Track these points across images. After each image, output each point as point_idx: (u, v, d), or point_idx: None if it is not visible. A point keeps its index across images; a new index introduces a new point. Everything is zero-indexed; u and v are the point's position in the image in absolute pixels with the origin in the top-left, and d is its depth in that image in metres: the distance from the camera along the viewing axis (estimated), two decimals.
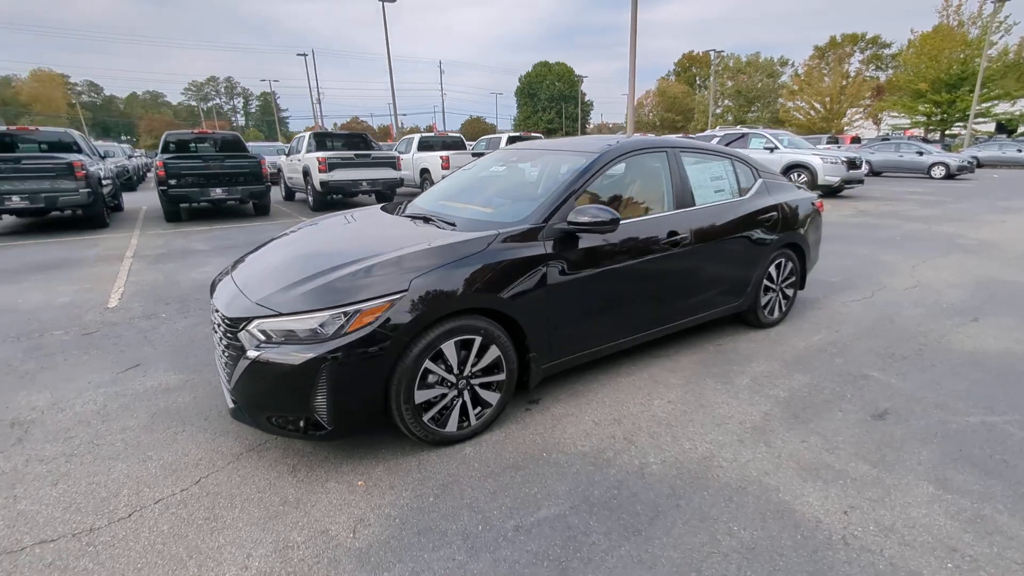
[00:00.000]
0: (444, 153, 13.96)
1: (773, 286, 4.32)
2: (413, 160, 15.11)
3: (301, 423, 2.49)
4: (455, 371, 2.70)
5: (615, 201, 3.45)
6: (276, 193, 16.03)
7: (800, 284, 4.61)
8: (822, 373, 3.53)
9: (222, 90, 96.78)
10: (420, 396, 2.60)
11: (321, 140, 12.96)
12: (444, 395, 2.70)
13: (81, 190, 9.25)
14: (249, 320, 2.50)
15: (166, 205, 10.71)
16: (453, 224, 3.14)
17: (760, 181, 4.21)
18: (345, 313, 2.42)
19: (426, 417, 2.66)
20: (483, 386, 2.83)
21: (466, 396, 2.78)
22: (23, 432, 3.01)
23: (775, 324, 4.42)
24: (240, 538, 2.17)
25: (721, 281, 3.89)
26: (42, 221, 11.13)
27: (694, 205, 3.68)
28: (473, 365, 2.75)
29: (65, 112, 65.53)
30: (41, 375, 3.73)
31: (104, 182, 10.67)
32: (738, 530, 2.16)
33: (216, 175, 10.63)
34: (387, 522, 2.24)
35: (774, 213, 4.12)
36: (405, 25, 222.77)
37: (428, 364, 2.59)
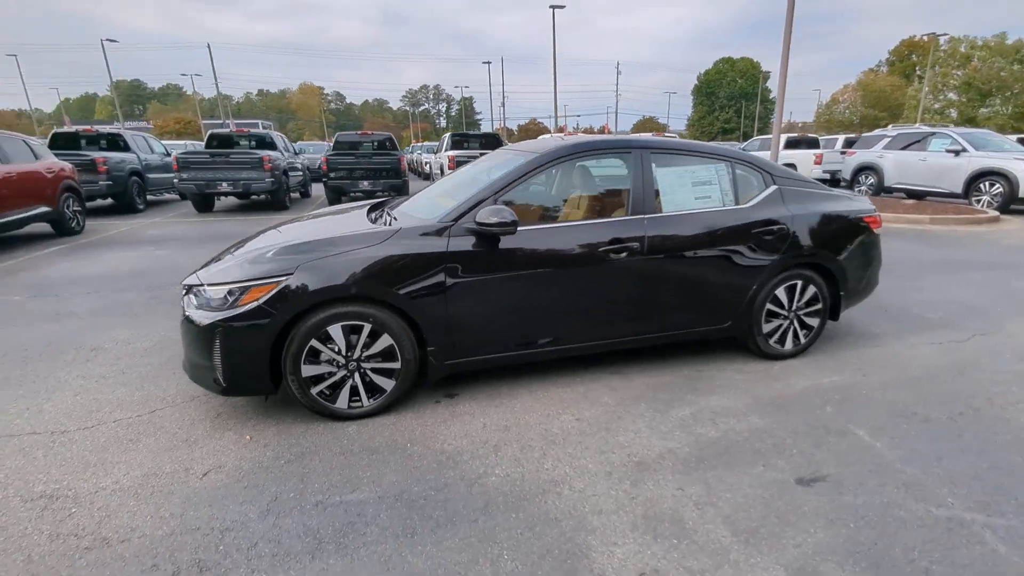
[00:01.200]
0: None
1: (784, 312, 3.63)
2: None
3: (210, 378, 2.88)
4: (343, 353, 2.86)
5: (552, 205, 3.26)
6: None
7: (831, 314, 3.79)
8: (790, 420, 2.92)
9: (431, 96, 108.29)
10: (307, 370, 2.82)
11: (458, 140, 13.96)
12: (333, 373, 2.88)
13: (267, 179, 11.41)
14: (191, 288, 2.96)
15: (328, 193, 12.73)
16: (396, 219, 3.27)
17: (772, 189, 3.55)
18: (241, 288, 2.75)
19: (314, 390, 2.87)
20: (376, 371, 2.95)
21: (357, 378, 2.92)
22: (92, 355, 3.93)
23: (787, 356, 3.71)
24: (136, 460, 2.62)
25: (696, 299, 3.41)
26: (248, 203, 13.84)
27: (659, 212, 3.29)
28: (364, 350, 2.89)
29: (317, 117, 79.88)
30: (142, 317, 4.77)
31: (293, 174, 13.11)
32: (507, 560, 1.98)
33: (364, 170, 12.26)
34: (236, 472, 2.52)
35: (779, 227, 3.45)
36: (594, 29, 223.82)
37: (315, 343, 2.80)
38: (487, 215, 2.86)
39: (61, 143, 11.95)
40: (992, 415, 2.96)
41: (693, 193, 3.41)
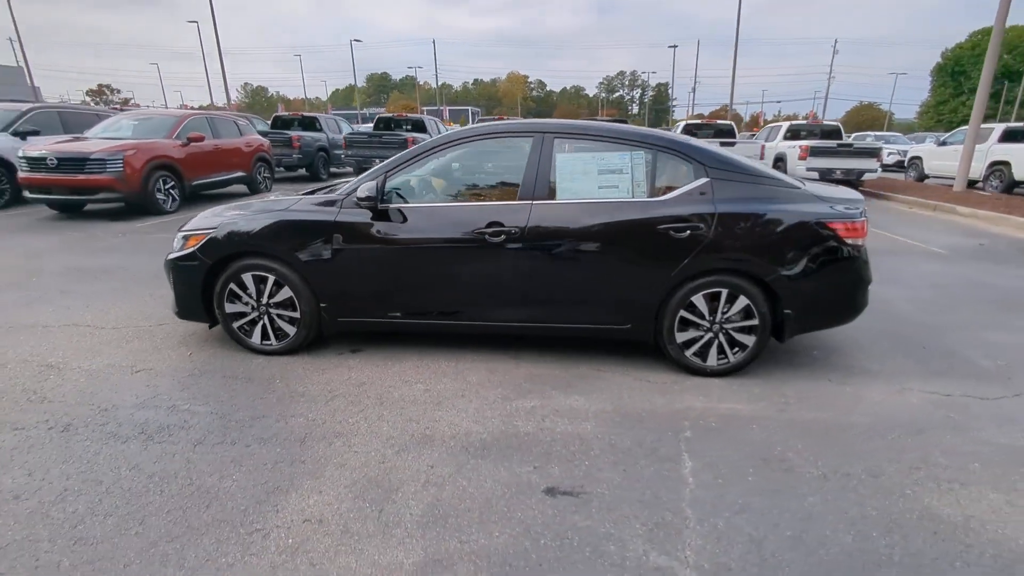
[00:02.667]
0: (804, 143, 12.54)
1: (703, 323, 3.13)
2: (775, 149, 13.69)
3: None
4: (255, 298, 3.39)
5: (451, 186, 3.29)
6: None
7: (773, 332, 3.15)
8: (627, 435, 2.60)
9: (626, 83, 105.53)
10: (229, 308, 3.42)
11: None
12: (247, 314, 3.43)
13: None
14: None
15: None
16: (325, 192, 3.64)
17: (701, 182, 3.04)
18: (186, 236, 3.43)
19: (235, 324, 3.46)
20: (281, 317, 3.42)
21: (266, 320, 3.43)
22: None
23: (710, 373, 3.20)
24: (115, 354, 3.50)
25: (588, 294, 3.16)
26: None
27: (552, 199, 3.12)
28: (271, 297, 3.37)
29: (519, 104, 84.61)
30: None
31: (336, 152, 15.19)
32: (234, 474, 2.28)
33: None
34: (152, 374, 3.21)
35: (692, 224, 2.98)
36: (819, 3, 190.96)
37: (233, 286, 3.37)
38: (362, 191, 3.09)
39: (279, 124, 15.03)
40: (885, 487, 2.26)
41: (598, 182, 3.14)
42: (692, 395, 3.02)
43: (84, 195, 8.04)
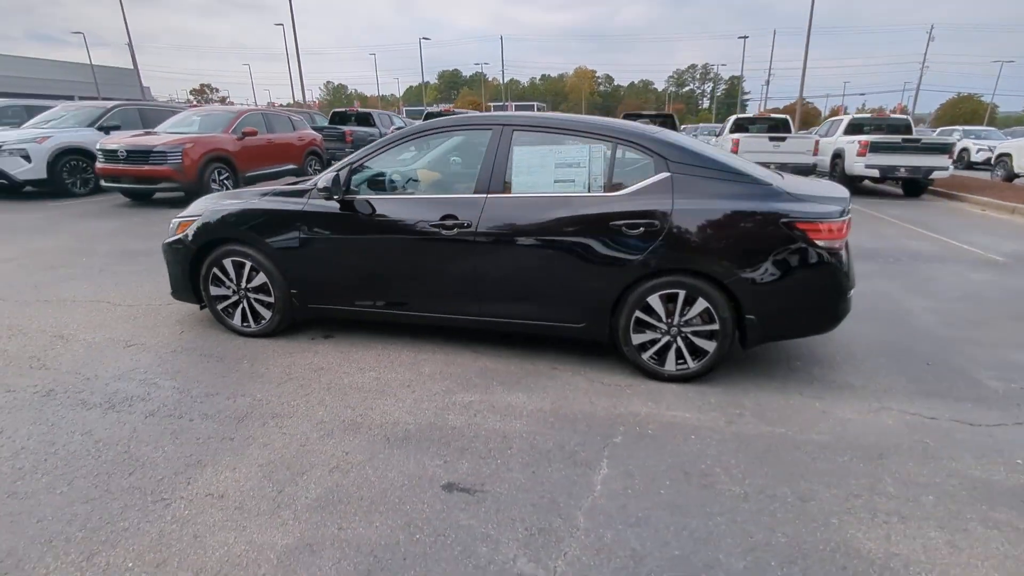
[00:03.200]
0: (864, 138, 11.21)
1: (660, 325, 2.95)
2: (832, 144, 12.29)
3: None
4: (234, 283, 3.55)
5: (410, 178, 3.28)
6: None
7: (737, 336, 2.92)
8: (552, 435, 2.51)
9: (697, 76, 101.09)
10: (213, 290, 3.61)
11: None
12: (229, 297, 3.61)
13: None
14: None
15: None
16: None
17: (662, 177, 2.86)
18: (179, 221, 3.65)
19: (219, 306, 3.65)
20: (259, 302, 3.56)
21: (245, 304, 3.59)
22: None
23: (667, 378, 3.01)
24: (118, 328, 3.79)
25: (540, 290, 3.06)
26: None
27: (508, 193, 3.04)
28: (248, 282, 3.53)
29: (585, 99, 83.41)
30: None
31: None
32: (169, 443, 2.41)
33: None
34: (141, 350, 3.44)
35: (647, 221, 2.80)
36: None
37: (216, 271, 3.55)
38: (322, 181, 3.16)
39: (336, 119, 15.70)
40: (809, 514, 2.04)
41: (554, 175, 3.03)
42: (641, 400, 2.87)
43: (148, 184, 8.75)
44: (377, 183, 3.45)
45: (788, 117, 13.06)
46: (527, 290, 3.10)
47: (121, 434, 2.53)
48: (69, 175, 9.91)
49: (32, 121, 10.98)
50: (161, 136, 9.04)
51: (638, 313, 2.95)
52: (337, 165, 3.33)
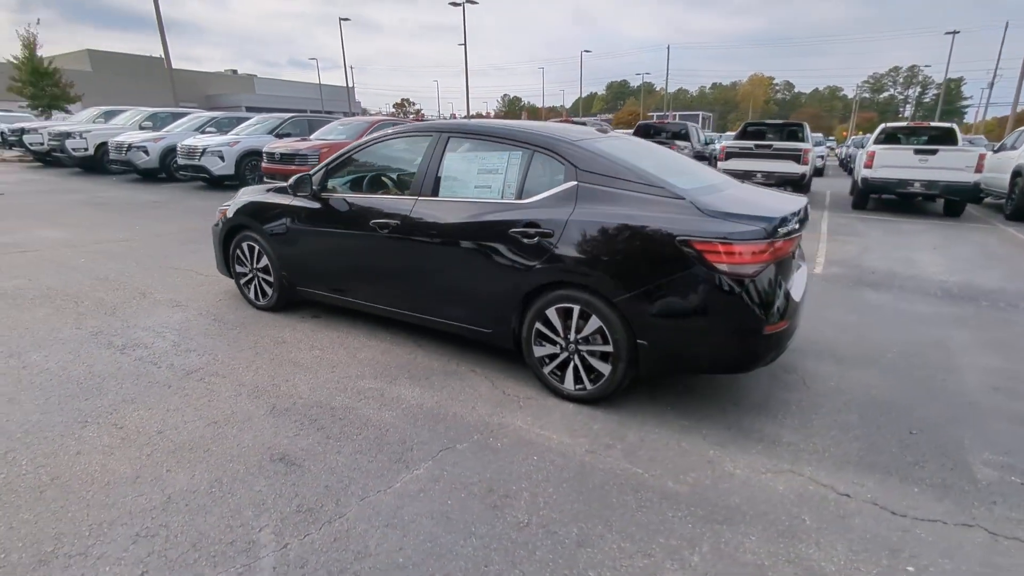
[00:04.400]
0: None
1: (558, 340, 2.75)
2: (1015, 159, 9.47)
3: None
4: (249, 263, 4.16)
5: (372, 179, 3.50)
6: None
7: (632, 360, 2.59)
8: (414, 433, 2.54)
9: (899, 80, 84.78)
10: (237, 268, 4.27)
11: (752, 131, 11.70)
12: (246, 274, 4.23)
13: None
14: None
15: None
16: None
17: (568, 186, 2.67)
18: (220, 209, 4.38)
19: (240, 281, 4.30)
20: (264, 281, 4.12)
21: (256, 281, 4.18)
22: None
23: (567, 397, 2.79)
24: (176, 294, 4.67)
25: (455, 293, 3.06)
26: None
27: (434, 196, 3.10)
28: (256, 263, 4.10)
29: (760, 107, 76.00)
30: None
31: None
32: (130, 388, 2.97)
33: None
34: (181, 309, 4.23)
35: (539, 231, 2.65)
36: None
37: (238, 252, 4.20)
38: (292, 179, 3.57)
39: None
40: (565, 555, 1.79)
41: (476, 181, 3.00)
42: (525, 414, 2.73)
43: None
44: (350, 184, 3.77)
45: (955, 127, 10.55)
46: (445, 291, 3.14)
47: (107, 370, 3.18)
48: (250, 172, 12.14)
49: (236, 128, 13.67)
50: (309, 142, 10.63)
51: (538, 325, 2.82)
52: (316, 169, 3.72)
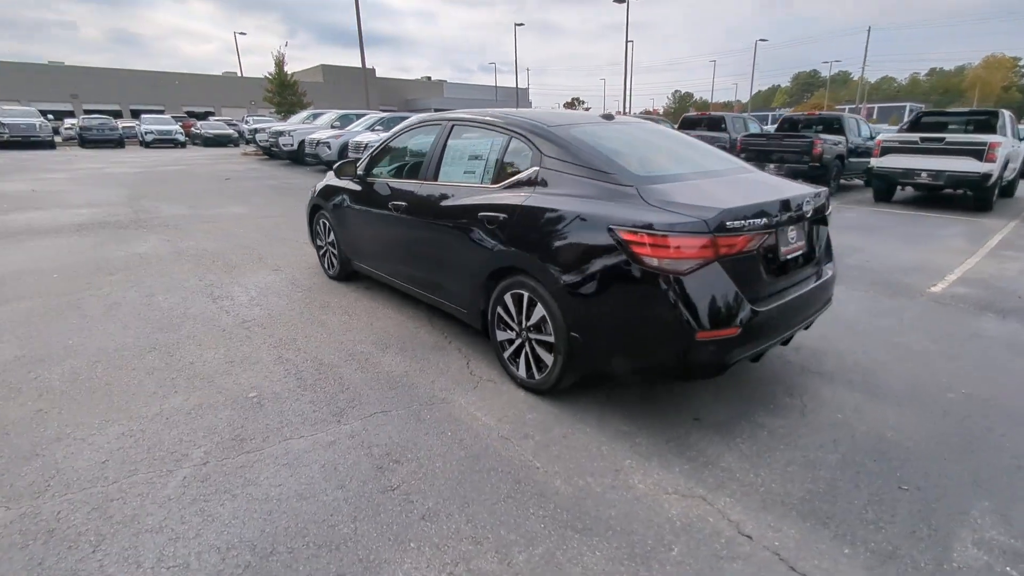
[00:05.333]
0: None
1: (513, 326, 2.68)
2: None
3: None
4: (323, 238, 4.76)
5: (398, 165, 3.74)
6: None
7: (571, 354, 2.41)
8: (363, 394, 2.74)
9: None
10: (316, 242, 4.93)
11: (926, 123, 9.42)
12: (322, 247, 4.85)
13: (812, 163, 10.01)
14: None
15: None
16: None
17: (531, 171, 2.60)
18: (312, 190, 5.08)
19: (320, 252, 4.94)
20: (332, 254, 4.68)
21: (328, 254, 4.76)
22: None
23: (518, 384, 2.72)
24: (286, 260, 5.55)
25: (440, 271, 3.18)
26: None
27: (435, 180, 3.25)
28: (327, 238, 4.68)
29: (996, 95, 59.91)
30: None
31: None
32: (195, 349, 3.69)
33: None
34: (273, 273, 5.02)
35: (502, 217, 2.61)
36: None
37: (316, 227, 4.84)
38: (335, 166, 4.00)
39: (687, 124, 14.39)
40: (387, 534, 1.79)
41: (465, 167, 3.06)
42: (474, 394, 2.76)
43: None
44: (384, 169, 4.05)
45: (1003, 111, 8.89)
46: (436, 271, 3.27)
47: (194, 313, 3.94)
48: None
49: (351, 125, 15.26)
50: (375, 134, 11.83)
51: (499, 309, 2.81)
52: (365, 155, 4.12)
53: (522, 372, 2.76)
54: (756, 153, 10.71)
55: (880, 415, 2.56)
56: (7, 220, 7.48)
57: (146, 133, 25.51)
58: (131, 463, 2.19)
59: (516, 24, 41.69)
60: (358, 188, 4.03)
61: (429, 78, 65.29)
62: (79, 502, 1.96)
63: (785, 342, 2.63)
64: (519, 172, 2.75)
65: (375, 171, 4.01)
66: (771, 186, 2.66)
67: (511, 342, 2.81)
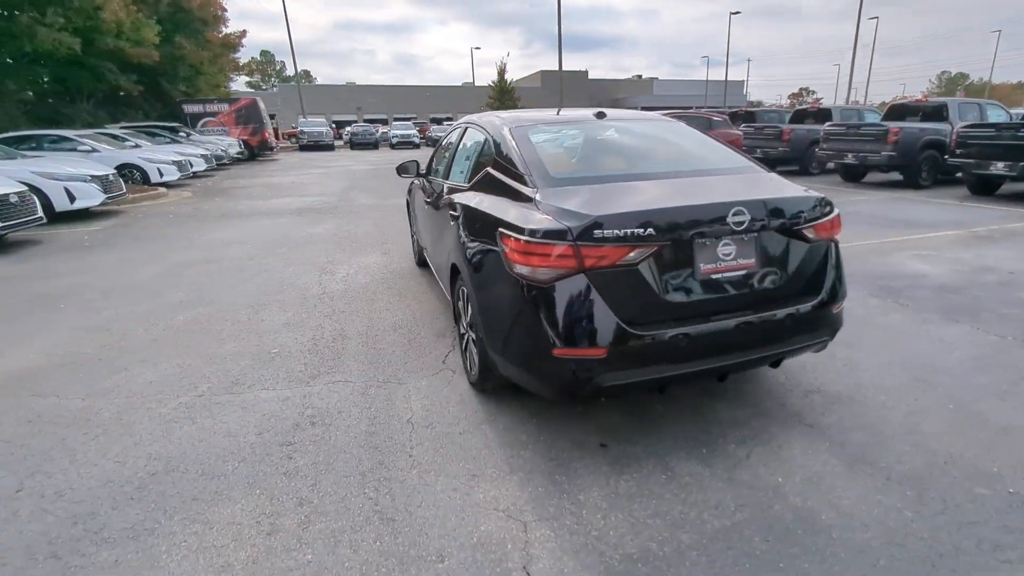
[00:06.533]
0: None
1: (463, 324, 2.68)
2: None
3: None
4: (412, 228, 5.31)
5: (437, 164, 3.98)
6: None
7: (480, 352, 2.34)
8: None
9: None
10: (412, 230, 5.52)
11: None
12: (413, 235, 5.40)
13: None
14: None
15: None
16: None
17: (484, 172, 2.59)
18: None
19: (413, 241, 5.53)
20: (417, 242, 5.20)
21: (415, 242, 5.30)
22: None
23: (471, 381, 2.72)
24: (396, 254, 6.32)
25: (440, 268, 3.33)
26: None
27: (447, 179, 3.41)
28: (413, 228, 5.21)
29: None
30: None
31: None
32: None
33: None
34: (390, 259, 5.78)
35: (457, 215, 2.70)
36: None
37: (409, 219, 5.42)
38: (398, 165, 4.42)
39: (894, 114, 11.69)
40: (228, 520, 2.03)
41: (460, 167, 3.14)
42: (436, 380, 2.89)
43: None
44: (432, 169, 4.27)
45: None
46: (440, 266, 3.43)
47: (298, 282, 4.81)
48: None
49: None
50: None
51: (459, 304, 2.86)
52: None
53: (468, 365, 2.79)
54: (835, 146, 10.57)
55: (842, 493, 1.90)
56: (262, 204, 9.97)
57: (392, 137, 30.67)
58: (162, 386, 2.91)
59: (732, 13, 37.94)
60: (419, 185, 4.41)
61: (639, 76, 63.77)
62: (115, 404, 2.71)
63: (721, 378, 2.13)
64: (479, 173, 2.75)
65: (430, 169, 4.34)
66: (720, 190, 2.17)
67: (462, 336, 2.85)
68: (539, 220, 1.97)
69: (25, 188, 6.88)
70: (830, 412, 2.41)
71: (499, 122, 2.84)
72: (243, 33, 29.48)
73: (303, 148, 28.84)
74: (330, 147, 29.22)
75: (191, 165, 14.44)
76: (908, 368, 2.83)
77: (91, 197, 8.50)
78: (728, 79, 58.21)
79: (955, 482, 1.95)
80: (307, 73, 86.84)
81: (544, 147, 2.51)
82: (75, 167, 8.76)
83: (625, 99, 57.01)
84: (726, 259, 2.01)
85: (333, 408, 2.64)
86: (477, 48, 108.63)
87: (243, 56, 38.99)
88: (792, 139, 11.87)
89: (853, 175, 11.00)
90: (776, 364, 2.35)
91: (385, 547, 1.74)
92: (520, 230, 1.98)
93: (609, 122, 2.91)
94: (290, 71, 46.14)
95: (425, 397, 2.72)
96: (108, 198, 8.89)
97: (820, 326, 2.19)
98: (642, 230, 1.87)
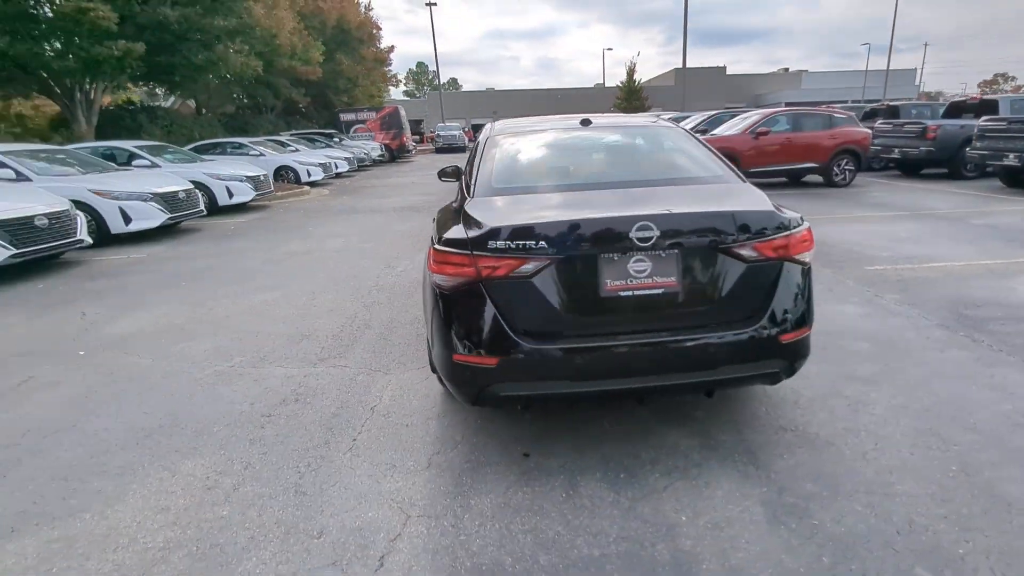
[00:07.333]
0: None
1: None
2: None
3: None
4: None
5: None
6: None
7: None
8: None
9: None
10: None
11: None
12: None
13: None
14: None
15: None
16: None
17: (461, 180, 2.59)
18: None
19: None
20: None
21: None
22: None
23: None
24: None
25: None
26: None
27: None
28: None
29: None
30: None
31: None
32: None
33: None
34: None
35: None
36: None
37: None
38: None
39: (953, 111, 11.16)
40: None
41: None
42: (408, 374, 3.05)
43: None
44: None
45: None
46: None
47: (358, 274, 5.31)
48: None
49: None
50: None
51: None
52: None
53: None
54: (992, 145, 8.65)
55: (743, 545, 1.63)
56: (377, 202, 10.98)
57: (438, 139, 31.39)
58: (211, 355, 3.44)
59: None
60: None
61: (786, 70, 57.33)
62: (170, 366, 3.27)
63: (640, 400, 1.94)
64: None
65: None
66: (641, 203, 1.97)
67: None
68: (452, 229, 2.00)
69: (191, 186, 8.41)
70: (791, 455, 2.07)
71: (487, 130, 2.88)
72: (391, 48, 32.47)
73: (439, 150, 30.96)
74: (462, 149, 31.03)
75: (335, 167, 16.36)
76: (927, 418, 2.29)
77: (244, 194, 10.11)
78: (897, 68, 49.95)
79: (891, 557, 1.58)
80: (454, 81, 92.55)
81: (506, 156, 2.51)
82: (236, 169, 10.49)
83: (766, 95, 51.70)
84: (639, 276, 1.84)
85: (319, 389, 2.91)
86: (609, 49, 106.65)
87: (398, 69, 42.96)
88: (939, 137, 9.84)
89: (1018, 180, 8.83)
90: (709, 394, 2.09)
91: (285, 516, 1.93)
92: (436, 238, 2.04)
93: (587, 131, 2.78)
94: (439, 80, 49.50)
95: (399, 388, 2.88)
96: (258, 195, 10.50)
97: (764, 356, 1.90)
98: (533, 242, 1.81)
